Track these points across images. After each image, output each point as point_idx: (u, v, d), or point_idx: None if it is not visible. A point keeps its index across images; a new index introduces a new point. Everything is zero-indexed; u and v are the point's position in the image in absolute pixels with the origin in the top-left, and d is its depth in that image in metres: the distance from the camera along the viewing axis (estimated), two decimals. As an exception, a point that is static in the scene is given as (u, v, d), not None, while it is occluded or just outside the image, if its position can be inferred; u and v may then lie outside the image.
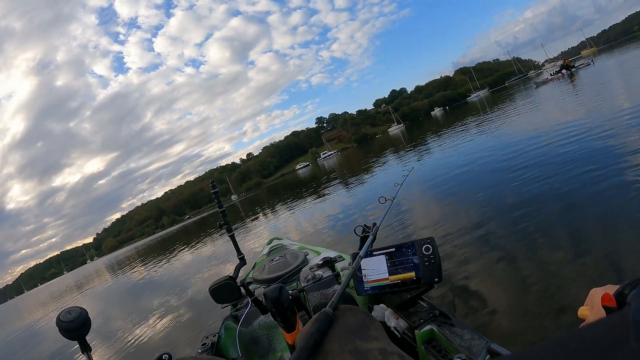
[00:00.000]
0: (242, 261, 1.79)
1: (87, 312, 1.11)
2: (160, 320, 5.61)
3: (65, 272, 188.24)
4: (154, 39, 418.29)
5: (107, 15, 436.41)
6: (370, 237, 1.46)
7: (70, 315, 1.07)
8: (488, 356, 0.98)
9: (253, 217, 15.88)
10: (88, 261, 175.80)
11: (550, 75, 33.40)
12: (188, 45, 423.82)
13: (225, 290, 1.64)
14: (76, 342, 1.11)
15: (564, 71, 31.88)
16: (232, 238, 1.81)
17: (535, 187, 4.55)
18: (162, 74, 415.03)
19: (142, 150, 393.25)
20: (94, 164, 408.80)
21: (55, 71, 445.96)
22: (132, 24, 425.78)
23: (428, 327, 1.17)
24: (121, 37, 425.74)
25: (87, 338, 1.13)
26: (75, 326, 1.07)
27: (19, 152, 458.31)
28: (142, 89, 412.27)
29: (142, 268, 16.43)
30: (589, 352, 0.27)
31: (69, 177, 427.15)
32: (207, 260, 10.10)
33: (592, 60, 35.88)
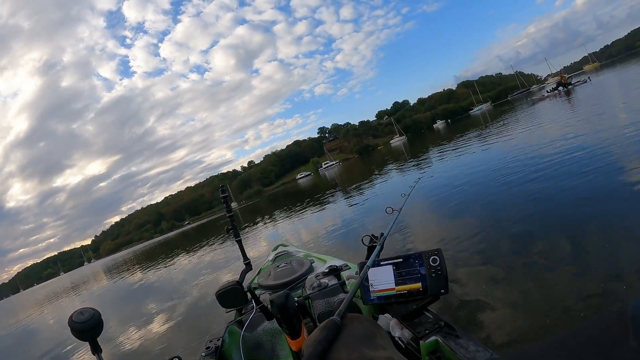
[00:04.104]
0: (248, 266, 1.80)
1: (99, 314, 1.10)
2: (165, 324, 5.62)
3: (62, 272, 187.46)
4: (160, 44, 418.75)
5: (114, 19, 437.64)
6: (378, 247, 1.46)
7: (83, 316, 1.06)
8: None
9: (253, 225, 15.86)
10: (85, 263, 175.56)
11: (547, 92, 33.84)
12: (193, 51, 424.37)
13: (232, 295, 1.65)
14: (87, 342, 1.12)
15: (560, 88, 32.27)
16: (239, 243, 1.83)
17: (538, 201, 4.60)
18: (167, 79, 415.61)
19: (143, 155, 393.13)
20: (96, 166, 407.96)
21: (61, 72, 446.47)
22: (139, 28, 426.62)
23: (433, 338, 1.17)
24: (128, 41, 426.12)
25: (99, 340, 1.14)
26: (88, 327, 1.06)
27: (21, 151, 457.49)
28: (146, 93, 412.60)
29: (142, 272, 16.39)
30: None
31: (70, 178, 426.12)
32: (208, 265, 10.09)
33: (588, 77, 36.22)
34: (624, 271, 2.47)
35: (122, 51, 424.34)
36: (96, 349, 1.11)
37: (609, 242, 2.94)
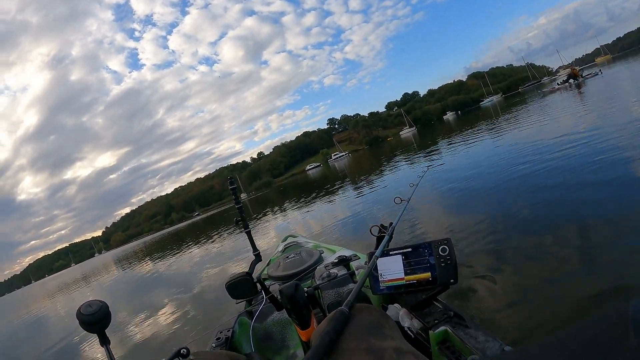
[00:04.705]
0: (258, 257, 1.81)
1: (107, 306, 1.10)
2: (175, 315, 5.64)
3: (73, 264, 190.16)
4: (168, 36, 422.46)
5: (123, 12, 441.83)
6: (387, 237, 1.46)
7: (91, 309, 1.06)
8: None
9: (263, 216, 15.90)
10: (96, 254, 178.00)
11: (558, 84, 33.39)
12: (202, 43, 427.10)
13: (242, 286, 1.66)
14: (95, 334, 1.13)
15: (571, 81, 31.78)
16: (249, 234, 1.83)
17: (547, 192, 4.55)
18: (176, 72, 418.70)
19: (153, 147, 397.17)
20: (106, 159, 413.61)
21: (70, 66, 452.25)
22: (148, 21, 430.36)
23: (442, 328, 1.17)
24: (136, 33, 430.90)
25: (107, 331, 1.14)
26: (96, 319, 1.06)
27: (31, 145, 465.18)
28: (155, 85, 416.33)
29: (153, 263, 16.56)
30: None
31: (80, 171, 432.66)
32: (217, 256, 10.16)
33: (600, 70, 35.64)
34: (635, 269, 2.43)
35: (131, 44, 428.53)
36: (104, 341, 1.12)
37: (623, 236, 2.90)
